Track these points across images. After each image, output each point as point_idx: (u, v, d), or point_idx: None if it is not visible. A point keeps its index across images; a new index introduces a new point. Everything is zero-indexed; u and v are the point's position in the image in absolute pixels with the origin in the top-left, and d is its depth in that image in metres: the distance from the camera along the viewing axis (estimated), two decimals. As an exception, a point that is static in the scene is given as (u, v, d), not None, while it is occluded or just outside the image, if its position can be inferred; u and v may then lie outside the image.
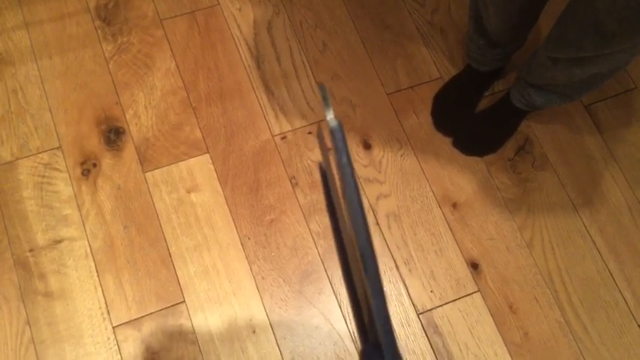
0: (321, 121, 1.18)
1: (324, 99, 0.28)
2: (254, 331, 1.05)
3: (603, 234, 1.15)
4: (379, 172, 1.16)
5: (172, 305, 1.05)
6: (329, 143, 0.27)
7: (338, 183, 0.27)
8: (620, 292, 1.12)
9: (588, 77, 0.92)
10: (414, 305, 1.09)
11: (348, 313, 1.07)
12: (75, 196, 1.10)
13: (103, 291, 1.05)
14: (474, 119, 1.20)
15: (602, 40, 0.77)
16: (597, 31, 0.75)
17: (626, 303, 1.11)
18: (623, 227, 1.16)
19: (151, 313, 1.04)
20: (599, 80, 0.94)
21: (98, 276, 1.06)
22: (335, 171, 0.27)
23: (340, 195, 0.27)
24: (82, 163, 1.13)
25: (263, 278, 1.08)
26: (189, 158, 1.14)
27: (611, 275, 1.13)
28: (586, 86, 0.97)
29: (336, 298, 1.08)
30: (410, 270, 1.10)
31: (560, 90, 1.00)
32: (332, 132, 0.25)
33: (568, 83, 0.96)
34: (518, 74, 1.08)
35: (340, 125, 0.26)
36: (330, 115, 0.26)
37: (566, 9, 0.82)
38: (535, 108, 1.10)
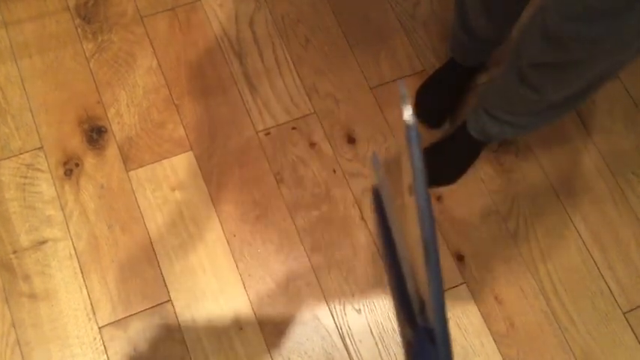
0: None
1: (403, 97, 0.29)
2: (241, 328, 1.05)
3: (587, 223, 1.16)
4: (364, 166, 1.16)
5: (158, 304, 1.05)
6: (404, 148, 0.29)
7: (407, 175, 0.29)
8: (605, 280, 1.13)
9: (547, 107, 0.88)
10: (400, 298, 1.09)
11: (334, 308, 1.07)
12: (58, 196, 1.09)
13: (88, 291, 1.05)
14: (431, 151, 1.17)
15: (551, 46, 0.75)
16: (545, 38, 0.74)
17: (611, 291, 1.12)
18: (607, 216, 1.17)
19: (137, 313, 1.04)
20: (559, 111, 0.89)
21: (83, 276, 1.05)
22: (406, 165, 0.29)
23: (405, 189, 0.30)
24: (65, 163, 1.12)
25: (249, 275, 1.08)
26: (173, 156, 1.14)
27: (596, 264, 1.14)
28: (542, 117, 0.92)
29: (323, 293, 1.08)
30: (396, 263, 1.11)
31: (515, 119, 0.95)
32: (407, 128, 0.27)
33: (531, 104, 0.90)
34: (478, 101, 1.04)
35: (416, 123, 0.27)
36: (408, 112, 0.27)
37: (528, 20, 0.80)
38: (490, 139, 1.07)
